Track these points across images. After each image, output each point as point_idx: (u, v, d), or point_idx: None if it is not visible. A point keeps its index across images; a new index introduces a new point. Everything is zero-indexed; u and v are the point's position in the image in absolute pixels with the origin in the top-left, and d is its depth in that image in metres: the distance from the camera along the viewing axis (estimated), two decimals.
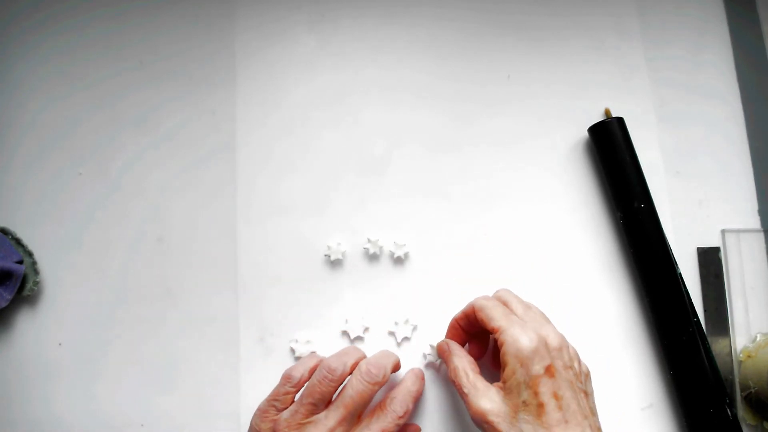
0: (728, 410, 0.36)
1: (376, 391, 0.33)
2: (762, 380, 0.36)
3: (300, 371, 0.34)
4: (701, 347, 0.36)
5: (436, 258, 0.40)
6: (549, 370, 0.30)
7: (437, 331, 0.39)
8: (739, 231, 0.41)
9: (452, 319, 0.37)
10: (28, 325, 0.39)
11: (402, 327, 0.38)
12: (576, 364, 0.32)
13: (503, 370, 0.31)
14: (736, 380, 0.38)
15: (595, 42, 0.43)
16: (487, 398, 0.31)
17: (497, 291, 0.36)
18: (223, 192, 0.41)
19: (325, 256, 0.39)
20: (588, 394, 0.32)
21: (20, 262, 0.38)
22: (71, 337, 0.38)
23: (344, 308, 0.39)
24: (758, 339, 0.39)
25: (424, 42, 0.43)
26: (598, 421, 0.31)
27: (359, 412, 0.32)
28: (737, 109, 0.43)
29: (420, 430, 0.37)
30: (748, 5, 0.44)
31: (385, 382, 0.33)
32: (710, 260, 0.40)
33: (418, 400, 0.35)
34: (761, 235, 0.41)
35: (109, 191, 0.40)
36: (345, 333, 0.39)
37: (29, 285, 0.38)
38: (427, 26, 0.43)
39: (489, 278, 0.40)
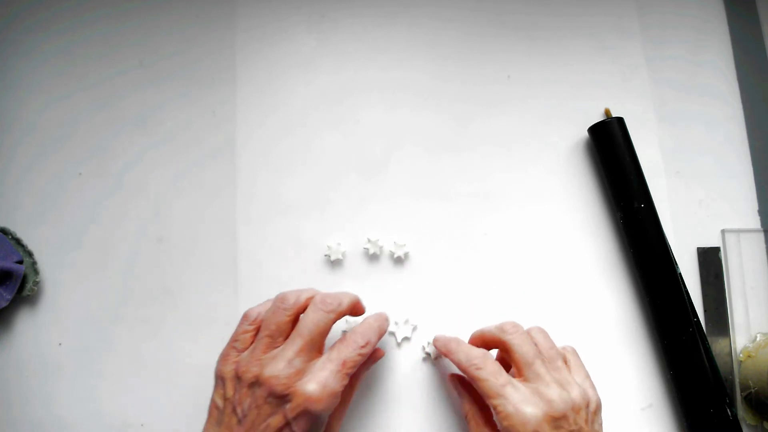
0: (728, 410, 0.36)
1: (333, 321, 0.31)
2: (762, 380, 0.36)
3: (257, 310, 0.33)
4: (701, 347, 0.36)
5: (436, 258, 0.40)
6: None
7: (437, 331, 0.39)
8: (739, 231, 0.41)
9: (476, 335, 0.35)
10: (28, 325, 0.39)
11: (402, 327, 0.38)
12: (581, 416, 0.30)
13: None
14: (736, 380, 0.38)
15: (595, 42, 0.43)
16: None
17: (531, 329, 0.34)
18: (223, 192, 0.41)
19: (325, 256, 0.39)
20: None
21: (20, 262, 0.38)
22: (71, 337, 0.38)
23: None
24: (758, 339, 0.39)
25: (424, 42, 0.43)
26: None
27: (318, 344, 0.31)
28: (737, 109, 0.43)
29: (384, 354, 0.36)
30: (748, 5, 0.44)
31: (342, 313, 0.32)
32: (710, 260, 0.40)
33: (381, 336, 0.34)
34: (761, 235, 0.41)
35: (109, 191, 0.40)
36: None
37: (29, 285, 0.38)
38: (427, 26, 0.43)
39: (489, 278, 0.40)
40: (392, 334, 0.39)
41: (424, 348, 0.38)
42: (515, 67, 0.43)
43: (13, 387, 0.38)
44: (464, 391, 0.35)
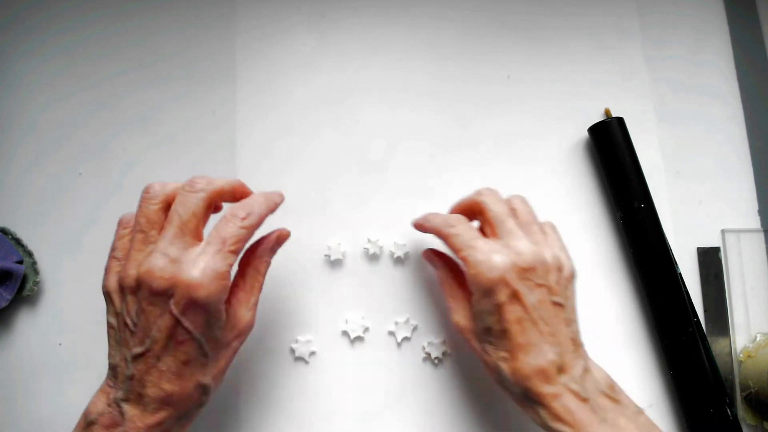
0: (728, 410, 0.36)
1: (206, 202, 0.29)
2: (762, 380, 0.36)
3: (130, 214, 0.31)
4: (701, 347, 0.36)
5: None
6: (514, 296, 0.29)
7: (437, 331, 0.39)
8: (739, 231, 0.41)
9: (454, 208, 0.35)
10: (28, 325, 0.39)
11: (402, 327, 0.38)
12: (552, 276, 0.30)
13: (471, 293, 0.31)
14: (736, 380, 0.38)
15: (595, 42, 0.43)
16: (460, 315, 0.32)
17: (511, 196, 0.34)
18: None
19: (325, 256, 0.39)
20: (563, 306, 0.30)
21: (20, 262, 0.38)
22: (71, 337, 0.38)
23: (344, 308, 0.39)
24: (758, 339, 0.39)
25: (424, 42, 0.43)
26: (574, 331, 0.31)
27: (193, 229, 0.28)
28: (737, 109, 0.43)
29: (289, 234, 0.34)
30: (748, 5, 0.44)
31: (215, 193, 0.29)
32: (710, 260, 0.40)
33: (270, 209, 0.31)
34: (761, 235, 0.41)
35: (109, 191, 0.40)
36: (345, 333, 0.39)
37: (29, 285, 0.38)
38: (427, 26, 0.43)
39: None
40: (392, 334, 0.39)
41: (424, 348, 0.38)
42: (515, 67, 0.43)
43: (13, 387, 0.38)
44: (439, 262, 0.36)
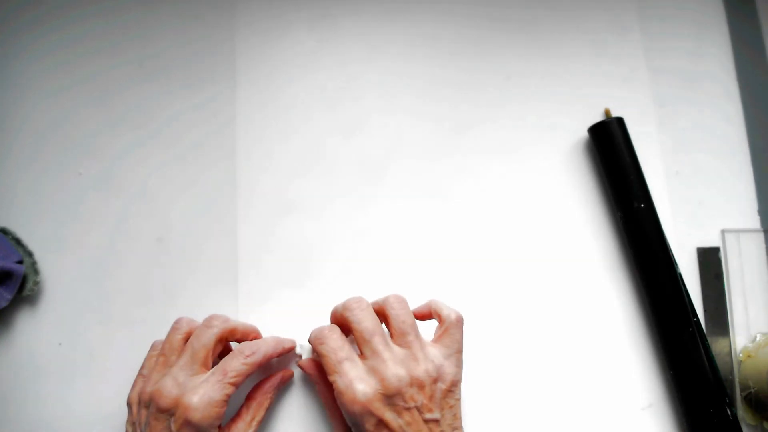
0: (728, 410, 0.36)
1: (218, 337, 0.32)
2: (762, 380, 0.36)
3: (160, 340, 0.35)
4: (701, 347, 0.36)
5: (436, 259, 0.40)
6: (381, 424, 0.29)
7: (427, 327, 0.39)
8: (739, 231, 0.41)
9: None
10: (28, 325, 0.39)
11: None
12: (425, 393, 0.30)
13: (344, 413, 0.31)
14: (736, 380, 0.38)
15: (595, 42, 0.43)
16: (340, 430, 0.33)
17: (387, 299, 0.33)
18: (223, 192, 0.41)
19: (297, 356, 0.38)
20: (438, 420, 0.30)
21: (20, 262, 0.38)
22: (71, 337, 0.38)
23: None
24: (758, 339, 0.39)
25: (424, 42, 0.43)
26: None
27: (201, 359, 0.32)
28: (737, 108, 0.43)
29: (292, 374, 0.37)
30: (748, 5, 0.44)
31: (227, 331, 0.33)
32: (710, 260, 0.40)
33: (278, 351, 0.34)
34: (761, 235, 0.41)
35: (109, 191, 0.40)
36: None
37: (29, 285, 0.38)
38: (427, 26, 0.43)
39: (490, 278, 0.40)
40: None
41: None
42: (515, 68, 0.43)
43: (13, 387, 0.38)
44: (317, 377, 0.35)
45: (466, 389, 0.38)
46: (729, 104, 0.43)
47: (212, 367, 0.32)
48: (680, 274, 0.38)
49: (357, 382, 0.30)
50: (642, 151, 0.40)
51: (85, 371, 0.38)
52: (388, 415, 0.29)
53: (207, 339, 0.32)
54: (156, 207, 0.40)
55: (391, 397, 0.29)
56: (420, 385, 0.30)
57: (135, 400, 0.32)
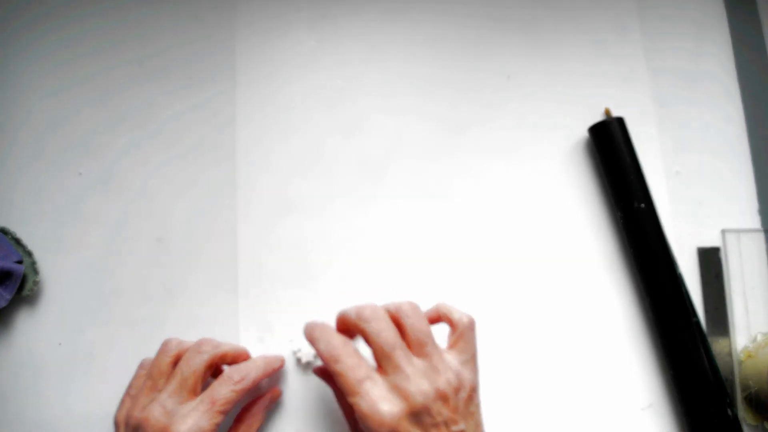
0: (728, 410, 0.36)
1: (207, 363, 0.32)
2: (762, 380, 0.36)
3: (149, 359, 0.34)
4: (701, 347, 0.36)
5: (436, 259, 0.40)
6: None
7: (437, 330, 0.39)
8: (739, 231, 0.41)
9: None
10: (28, 325, 0.39)
11: None
12: (449, 405, 0.28)
13: None
14: (736, 380, 0.38)
15: (595, 42, 0.43)
16: None
17: (400, 306, 0.31)
18: (223, 192, 0.41)
19: (296, 357, 0.38)
20: (464, 431, 0.29)
21: (20, 262, 0.38)
22: (71, 337, 0.38)
23: (344, 308, 0.39)
24: (758, 339, 0.39)
25: (424, 42, 0.43)
26: None
27: (191, 385, 0.31)
28: (737, 109, 0.43)
29: (280, 393, 0.36)
30: (748, 5, 0.44)
31: (217, 356, 0.33)
32: (710, 260, 0.40)
33: (267, 373, 0.34)
34: (761, 235, 0.41)
35: (110, 191, 0.40)
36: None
37: (29, 285, 0.38)
38: (427, 26, 0.43)
39: (490, 278, 0.40)
40: None
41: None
42: (515, 68, 0.43)
43: (12, 387, 0.38)
44: (333, 384, 0.34)
45: None
46: (729, 104, 0.43)
47: (201, 392, 0.32)
48: (680, 274, 0.38)
49: (381, 402, 0.28)
50: (642, 151, 0.40)
51: (84, 371, 0.38)
52: (418, 429, 0.28)
53: (196, 365, 0.32)
54: (156, 207, 0.40)
55: (417, 414, 0.28)
56: (444, 398, 0.28)
57: (122, 421, 0.32)
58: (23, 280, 0.38)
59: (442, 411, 0.28)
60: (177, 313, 0.39)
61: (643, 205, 0.38)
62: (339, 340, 0.30)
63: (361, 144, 0.41)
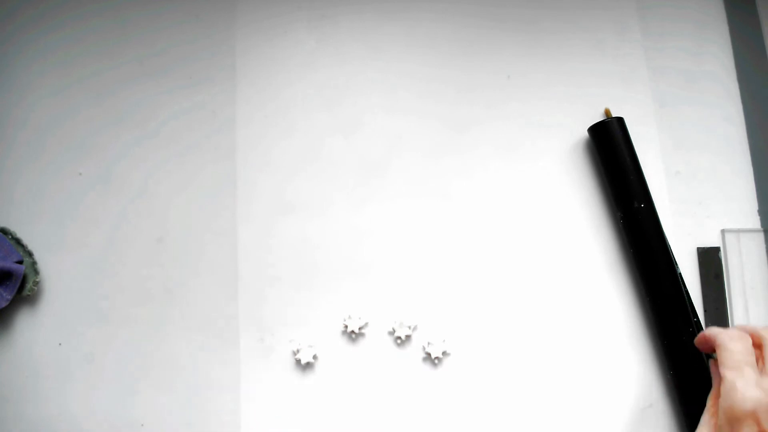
0: None
1: None
2: None
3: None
4: None
5: (436, 258, 0.40)
6: None
7: (437, 331, 0.39)
8: (739, 231, 0.41)
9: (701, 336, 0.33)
10: (28, 325, 0.39)
11: (402, 327, 0.38)
12: None
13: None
14: None
15: (595, 42, 0.43)
16: (705, 428, 0.31)
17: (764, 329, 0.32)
18: (224, 192, 0.41)
19: (345, 325, 0.39)
20: None
21: (20, 262, 0.38)
22: (71, 337, 0.38)
23: (344, 308, 0.39)
24: None
25: (423, 42, 0.43)
26: None
27: None
28: (737, 109, 0.43)
29: None
30: (748, 5, 0.44)
31: None
32: (710, 260, 0.40)
33: None
34: (761, 235, 0.41)
35: (109, 191, 0.40)
36: (345, 329, 0.39)
37: (29, 285, 0.38)
38: (427, 26, 0.43)
39: (489, 278, 0.40)
40: (392, 333, 0.39)
41: (424, 348, 0.38)
42: (515, 68, 0.43)
43: (13, 387, 0.38)
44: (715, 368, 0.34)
45: (466, 387, 0.38)
46: (729, 104, 0.43)
47: None
48: (680, 274, 0.38)
49: (753, 386, 0.28)
50: (642, 151, 0.40)
51: (84, 371, 0.38)
52: None
53: None
54: (156, 207, 0.40)
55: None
56: None
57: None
58: (23, 280, 0.38)
59: None
60: (177, 313, 0.39)
61: (642, 205, 0.38)
62: (739, 330, 0.31)
63: (361, 144, 0.41)
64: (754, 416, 0.28)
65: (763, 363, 0.30)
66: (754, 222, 0.41)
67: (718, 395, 0.31)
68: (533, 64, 0.43)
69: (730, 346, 0.30)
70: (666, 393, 0.38)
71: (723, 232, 0.41)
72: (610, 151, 0.39)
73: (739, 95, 0.43)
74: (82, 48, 0.42)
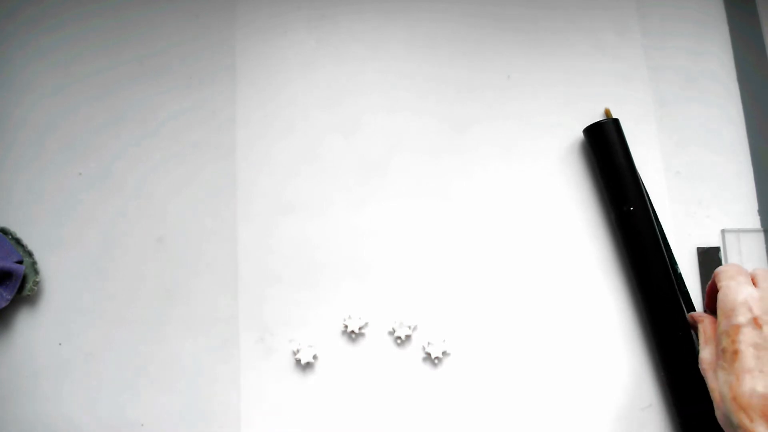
0: None
1: None
2: None
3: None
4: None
5: (436, 258, 0.40)
6: (754, 322, 0.30)
7: (437, 331, 0.39)
8: (739, 231, 0.41)
9: (708, 286, 0.36)
10: (28, 325, 0.39)
11: (402, 327, 0.38)
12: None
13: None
14: None
15: (595, 42, 0.43)
16: (705, 349, 0.32)
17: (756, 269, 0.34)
18: (223, 192, 0.41)
19: (344, 325, 0.39)
20: None
21: (20, 262, 0.38)
22: (71, 337, 0.38)
23: (344, 308, 0.39)
24: None
25: (423, 42, 0.43)
26: None
27: None
28: (737, 109, 0.43)
29: None
30: (748, 5, 0.44)
31: None
32: (710, 260, 0.40)
33: None
34: (761, 235, 0.41)
35: (109, 191, 0.40)
36: (345, 329, 0.39)
37: (29, 285, 0.38)
38: (427, 26, 0.43)
39: (490, 278, 0.40)
40: (392, 333, 0.39)
41: (424, 348, 0.38)
42: (515, 67, 0.43)
43: (13, 387, 0.38)
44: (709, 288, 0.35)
45: (466, 387, 0.38)
46: (729, 103, 0.43)
47: None
48: (680, 274, 0.38)
49: (746, 285, 0.31)
50: (642, 151, 0.40)
51: (84, 371, 0.38)
52: (766, 317, 0.30)
53: None
54: (156, 207, 0.40)
55: (766, 313, 0.30)
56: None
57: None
58: (23, 280, 0.38)
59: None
60: (177, 313, 0.39)
61: (632, 208, 0.38)
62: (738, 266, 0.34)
63: (361, 143, 0.41)
64: (746, 305, 0.30)
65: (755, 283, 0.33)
66: (754, 222, 0.41)
67: (711, 324, 0.33)
68: (533, 64, 0.43)
69: (724, 267, 0.33)
70: (663, 393, 0.38)
71: (723, 232, 0.41)
72: (606, 152, 0.39)
73: (739, 95, 0.43)
74: (82, 48, 0.42)
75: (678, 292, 0.37)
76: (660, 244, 0.38)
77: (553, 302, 0.39)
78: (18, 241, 0.39)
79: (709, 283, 0.35)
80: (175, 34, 0.43)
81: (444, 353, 0.38)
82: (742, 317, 0.30)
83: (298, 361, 0.38)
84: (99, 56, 0.42)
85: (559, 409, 0.38)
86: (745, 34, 0.44)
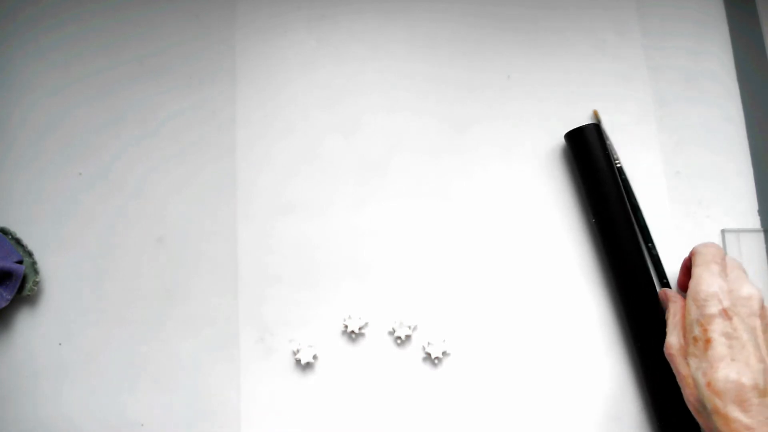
0: None
1: None
2: None
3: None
4: None
5: (435, 258, 0.40)
6: (725, 313, 0.31)
7: (437, 331, 0.39)
8: (739, 231, 0.41)
9: (683, 261, 0.37)
10: (28, 325, 0.39)
11: (402, 327, 0.38)
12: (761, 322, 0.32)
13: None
14: None
15: (595, 42, 0.43)
16: (674, 335, 0.33)
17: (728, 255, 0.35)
18: (223, 192, 0.41)
19: (345, 325, 0.39)
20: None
21: (20, 262, 0.38)
22: (71, 337, 0.38)
23: (344, 308, 0.39)
24: None
25: (423, 42, 0.43)
26: None
27: None
28: (737, 108, 0.43)
29: None
30: (748, 5, 0.44)
31: None
32: None
33: None
34: (761, 235, 0.41)
35: (109, 191, 0.40)
36: (345, 329, 0.39)
37: (29, 285, 0.38)
38: (427, 26, 0.43)
39: (490, 278, 0.40)
40: (392, 333, 0.39)
41: (424, 348, 0.38)
42: (515, 68, 0.43)
43: (13, 387, 0.38)
44: (683, 271, 0.37)
45: (466, 386, 0.38)
46: (729, 103, 0.43)
47: None
48: (658, 254, 0.38)
49: (719, 276, 0.32)
50: (642, 150, 0.40)
51: (84, 371, 0.38)
52: (736, 309, 0.31)
53: None
54: (156, 207, 0.40)
55: (743, 299, 0.32)
56: (764, 311, 0.32)
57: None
58: (23, 280, 0.38)
59: (766, 313, 0.32)
60: (177, 313, 0.39)
61: (593, 220, 0.38)
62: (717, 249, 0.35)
63: (361, 143, 0.41)
64: (716, 296, 0.31)
65: (725, 273, 0.34)
66: (754, 222, 0.41)
67: (679, 309, 0.34)
68: (533, 64, 0.43)
69: (702, 249, 0.35)
70: (642, 400, 0.38)
71: (723, 232, 0.41)
72: (586, 157, 0.39)
73: (739, 95, 0.43)
74: (82, 48, 0.42)
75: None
76: (642, 252, 0.38)
77: (555, 302, 0.39)
78: (18, 241, 0.39)
79: (686, 258, 0.36)
80: (175, 34, 0.43)
81: (444, 353, 0.38)
82: (714, 308, 0.31)
83: (298, 361, 0.38)
84: (99, 56, 0.42)
85: (559, 408, 0.38)
86: (745, 34, 0.44)
